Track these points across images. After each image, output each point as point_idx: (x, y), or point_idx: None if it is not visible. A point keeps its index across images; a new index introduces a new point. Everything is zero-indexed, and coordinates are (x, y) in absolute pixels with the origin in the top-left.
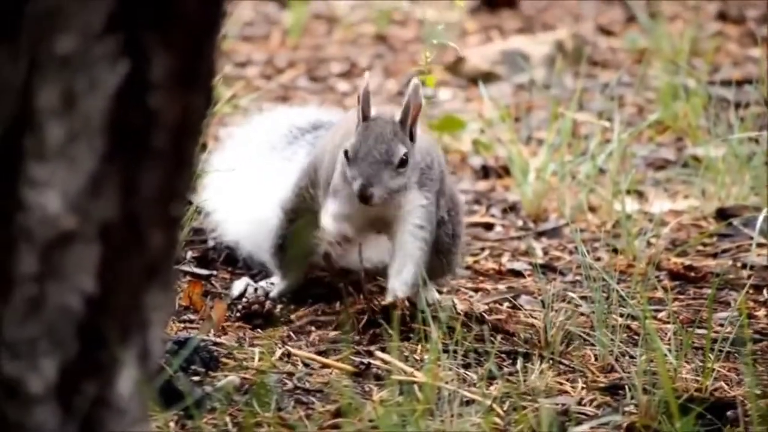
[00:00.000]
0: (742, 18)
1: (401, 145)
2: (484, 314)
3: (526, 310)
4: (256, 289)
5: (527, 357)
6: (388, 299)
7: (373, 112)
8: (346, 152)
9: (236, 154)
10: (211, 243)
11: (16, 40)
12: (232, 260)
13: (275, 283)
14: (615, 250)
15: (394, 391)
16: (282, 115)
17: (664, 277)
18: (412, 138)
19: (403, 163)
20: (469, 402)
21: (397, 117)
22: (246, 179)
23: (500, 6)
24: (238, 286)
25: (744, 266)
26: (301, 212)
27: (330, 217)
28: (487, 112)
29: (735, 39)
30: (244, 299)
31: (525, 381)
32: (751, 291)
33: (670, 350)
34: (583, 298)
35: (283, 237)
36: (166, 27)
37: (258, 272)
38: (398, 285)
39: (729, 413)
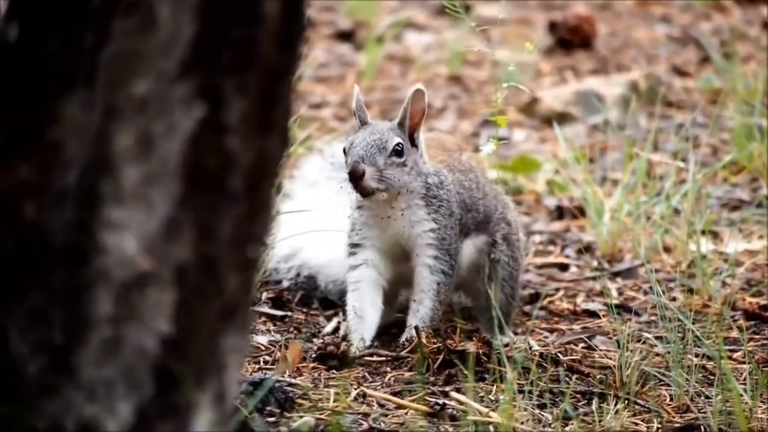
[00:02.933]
0: None
1: (396, 137)
2: (559, 354)
3: (601, 350)
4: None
5: (602, 397)
6: (405, 336)
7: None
8: (343, 149)
9: (309, 190)
10: (285, 284)
11: (92, 85)
12: (307, 301)
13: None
14: (690, 290)
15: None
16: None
17: (739, 316)
18: (413, 145)
19: (399, 153)
20: None
21: (396, 121)
22: (321, 212)
23: (575, 47)
24: (331, 325)
25: None
26: None
27: (347, 253)
28: (562, 153)
29: None
30: (319, 340)
31: (600, 421)
32: None
33: (745, 390)
34: (658, 338)
35: None
36: (242, 70)
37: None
38: (416, 323)
39: None
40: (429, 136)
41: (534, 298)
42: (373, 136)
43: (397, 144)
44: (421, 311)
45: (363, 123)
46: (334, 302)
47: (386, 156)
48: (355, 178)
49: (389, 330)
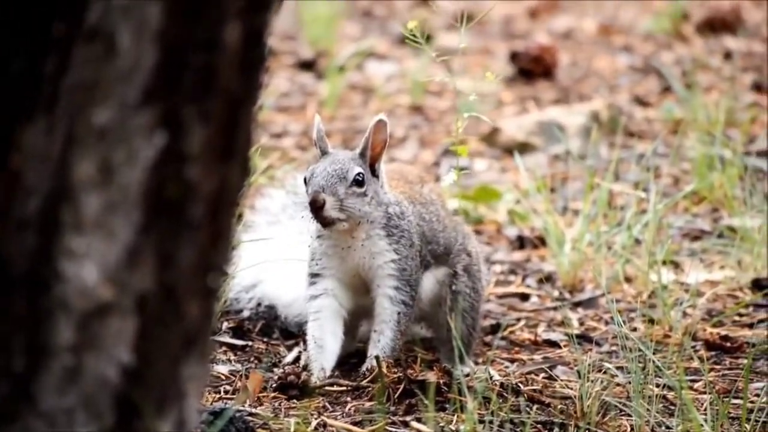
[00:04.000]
0: None
1: (357, 166)
2: (519, 384)
3: (562, 380)
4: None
5: (563, 427)
6: (366, 366)
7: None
8: (304, 178)
9: (270, 225)
10: (246, 313)
11: (53, 113)
12: (267, 331)
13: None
14: (651, 321)
15: None
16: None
17: (701, 347)
18: (374, 175)
19: (359, 183)
20: None
21: (357, 150)
22: (282, 243)
23: (536, 76)
24: (291, 354)
25: None
26: None
27: (307, 283)
28: (523, 183)
29: None
30: (280, 370)
31: None
32: None
33: (706, 420)
34: (619, 368)
35: None
36: (204, 99)
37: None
38: (377, 352)
39: None
40: (390, 167)
41: (495, 328)
42: (333, 166)
43: (358, 174)
44: (381, 341)
45: (324, 152)
46: (294, 332)
47: (347, 186)
48: (316, 208)
49: (350, 360)
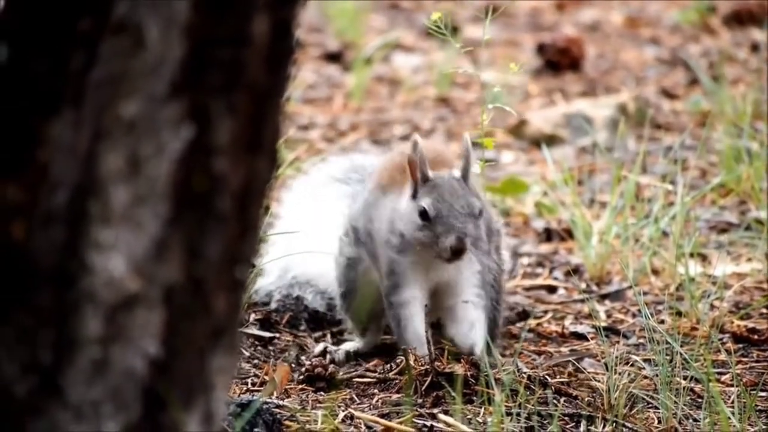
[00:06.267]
0: None
1: (475, 198)
2: (547, 377)
3: (589, 372)
4: (335, 351)
5: (590, 420)
6: (476, 353)
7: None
8: (423, 212)
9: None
10: (273, 305)
11: (80, 106)
12: (295, 323)
13: (354, 340)
14: (678, 313)
15: None
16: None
17: (728, 339)
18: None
19: (481, 214)
20: None
21: (457, 173)
22: (309, 232)
23: (563, 69)
24: (318, 348)
25: None
26: (356, 259)
27: (389, 289)
28: (550, 175)
29: None
30: (307, 362)
31: None
32: None
33: (733, 413)
34: (646, 360)
35: (347, 284)
36: (231, 92)
37: (334, 334)
38: (478, 340)
39: None
40: (425, 147)
41: (522, 316)
42: (459, 202)
43: (480, 208)
44: (476, 332)
45: (426, 179)
46: (322, 323)
47: (476, 223)
48: (459, 252)
49: (377, 353)
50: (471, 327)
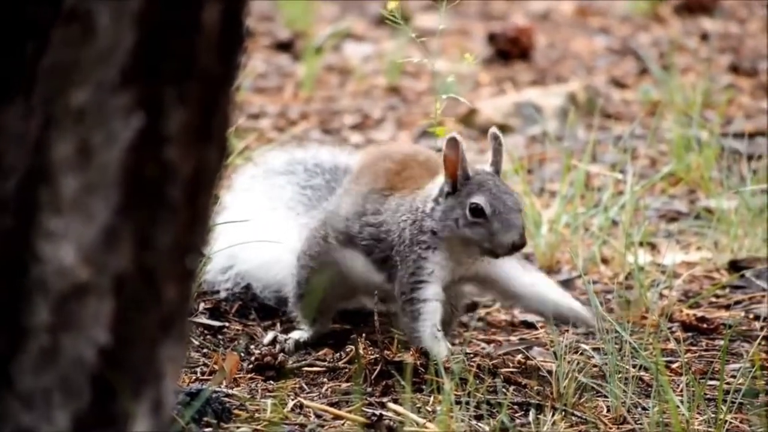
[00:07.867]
0: (755, 71)
1: (516, 193)
2: (496, 366)
3: (538, 361)
4: (285, 341)
5: (540, 408)
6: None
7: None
8: (477, 209)
9: (246, 198)
10: (223, 294)
11: (30, 95)
12: (244, 312)
13: (303, 329)
14: (627, 302)
15: None
16: (287, 157)
17: (677, 328)
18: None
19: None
20: None
21: (489, 168)
22: (258, 221)
23: (513, 58)
24: (268, 337)
25: (756, 318)
26: (321, 260)
27: (412, 286)
28: None
29: (747, 91)
30: (257, 351)
31: None
32: (763, 342)
33: (682, 402)
34: (595, 349)
35: (306, 286)
36: (182, 81)
37: (283, 322)
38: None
39: None
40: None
41: (471, 307)
42: (509, 198)
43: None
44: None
45: (467, 177)
46: (271, 312)
47: (522, 216)
48: (519, 247)
49: (326, 341)
50: (563, 295)
